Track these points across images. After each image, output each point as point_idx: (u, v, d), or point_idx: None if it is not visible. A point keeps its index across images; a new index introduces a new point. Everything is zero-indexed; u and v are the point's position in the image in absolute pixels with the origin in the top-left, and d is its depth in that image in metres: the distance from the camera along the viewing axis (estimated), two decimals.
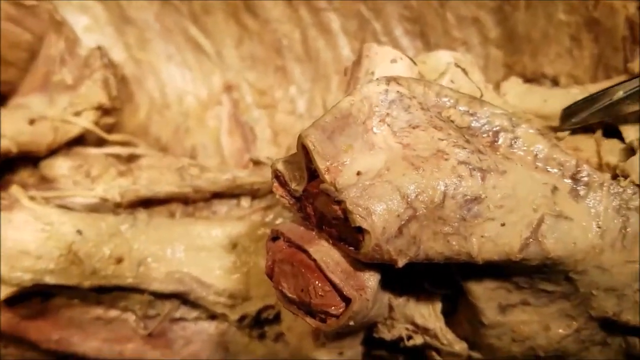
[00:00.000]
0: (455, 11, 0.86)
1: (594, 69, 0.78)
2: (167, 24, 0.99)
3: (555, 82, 0.82)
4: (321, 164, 0.44)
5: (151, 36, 1.00)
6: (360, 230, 0.43)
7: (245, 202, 0.75)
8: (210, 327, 0.71)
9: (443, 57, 0.59)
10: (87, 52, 0.83)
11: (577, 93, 0.61)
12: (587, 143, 0.58)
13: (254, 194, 0.75)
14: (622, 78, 0.68)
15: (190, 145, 1.00)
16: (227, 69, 1.00)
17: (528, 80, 0.83)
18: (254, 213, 0.73)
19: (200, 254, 0.68)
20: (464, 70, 0.55)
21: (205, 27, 0.99)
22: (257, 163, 0.70)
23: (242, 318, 0.70)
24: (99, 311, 0.72)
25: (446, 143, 0.45)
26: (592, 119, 0.56)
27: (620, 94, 0.53)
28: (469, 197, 0.44)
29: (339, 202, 0.43)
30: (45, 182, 0.78)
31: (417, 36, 0.91)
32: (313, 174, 0.46)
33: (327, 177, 0.44)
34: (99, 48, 0.90)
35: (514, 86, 0.64)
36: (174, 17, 0.99)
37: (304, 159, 0.45)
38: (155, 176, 0.76)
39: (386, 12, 0.90)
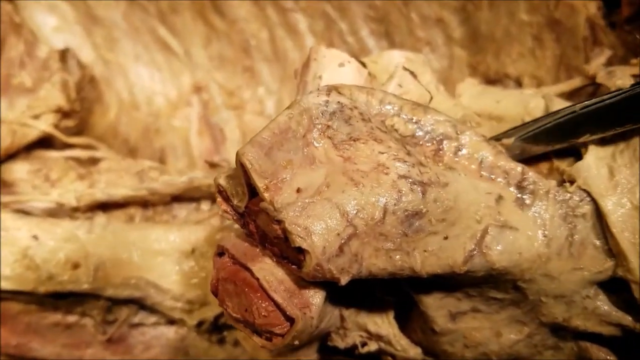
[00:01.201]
0: (419, 11, 0.85)
1: (556, 69, 0.78)
2: (135, 24, 0.98)
3: (518, 83, 0.81)
4: (260, 182, 0.43)
5: (119, 36, 0.99)
6: (300, 250, 0.42)
7: (205, 205, 0.74)
8: (169, 332, 0.71)
9: (394, 57, 0.59)
10: (46, 55, 0.82)
11: (530, 94, 0.60)
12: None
13: (214, 197, 0.74)
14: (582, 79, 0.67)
15: (159, 146, 0.99)
16: (196, 69, 0.99)
17: (492, 80, 0.83)
18: (213, 216, 0.72)
19: (157, 259, 0.68)
20: (412, 73, 0.54)
21: (173, 26, 0.98)
22: (213, 165, 0.69)
23: (200, 323, 0.69)
24: (57, 317, 0.71)
25: (387, 156, 0.45)
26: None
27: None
28: (409, 212, 0.44)
29: (279, 222, 0.42)
30: (5, 186, 0.77)
31: (382, 36, 0.90)
32: (254, 191, 0.45)
33: (266, 195, 0.43)
34: (66, 50, 0.89)
35: (468, 87, 0.64)
36: (142, 16, 0.98)
37: (243, 176, 0.45)
38: (113, 179, 0.75)
39: (352, 13, 0.90)
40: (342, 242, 0.42)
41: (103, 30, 0.99)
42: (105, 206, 0.74)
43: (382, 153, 0.45)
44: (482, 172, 0.48)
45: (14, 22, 0.85)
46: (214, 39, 0.98)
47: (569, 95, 0.67)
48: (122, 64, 1.00)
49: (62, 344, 0.71)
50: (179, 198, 0.75)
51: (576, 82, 0.66)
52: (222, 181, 0.46)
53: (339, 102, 0.46)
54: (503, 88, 0.78)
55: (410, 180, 0.44)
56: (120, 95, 1.00)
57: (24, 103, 0.81)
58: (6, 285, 0.68)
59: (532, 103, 0.59)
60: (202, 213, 0.74)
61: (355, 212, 0.42)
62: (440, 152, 0.48)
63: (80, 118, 0.87)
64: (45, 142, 0.84)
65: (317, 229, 0.41)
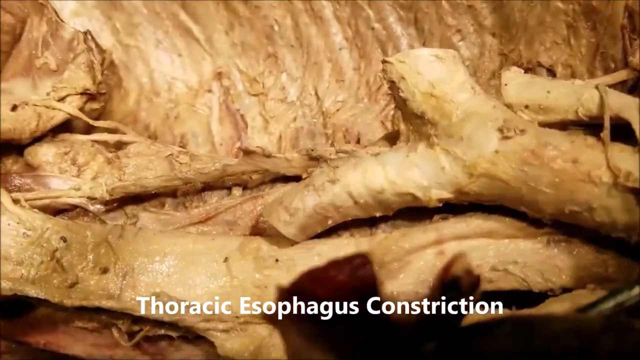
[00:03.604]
0: None
1: (591, 58, 0.77)
2: (156, 9, 0.97)
3: (551, 72, 0.80)
4: None
5: (139, 21, 0.98)
6: None
7: (236, 191, 0.73)
8: (197, 342, 0.68)
9: (422, 55, 0.56)
10: (70, 35, 0.81)
11: (582, 85, 0.58)
12: (588, 154, 0.54)
13: (245, 184, 0.73)
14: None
15: (179, 133, 0.98)
16: (218, 55, 0.98)
17: (524, 69, 0.81)
18: (245, 202, 0.71)
19: (188, 269, 0.65)
20: None
21: (194, 12, 0.97)
22: (247, 153, 0.67)
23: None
24: (82, 322, 0.69)
25: None
26: None
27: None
28: None
29: None
30: (30, 169, 0.76)
31: (411, 23, 0.89)
32: None
33: None
34: (87, 33, 0.87)
35: (515, 77, 0.62)
36: (163, 1, 0.97)
37: None
38: (144, 164, 0.74)
39: None
40: None
41: (123, 15, 0.98)
42: (136, 197, 0.73)
43: None
44: None
45: (36, 2, 0.83)
46: (237, 25, 0.96)
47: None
48: (142, 49, 0.99)
49: (92, 343, 0.68)
50: (210, 186, 0.73)
51: (622, 74, 0.65)
52: None
53: None
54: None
55: None
56: (140, 81, 0.99)
57: (48, 85, 0.79)
58: (31, 290, 0.63)
59: (585, 94, 0.57)
60: (234, 198, 0.72)
61: None
62: None
63: (104, 100, 0.86)
64: (67, 126, 0.83)
65: None
